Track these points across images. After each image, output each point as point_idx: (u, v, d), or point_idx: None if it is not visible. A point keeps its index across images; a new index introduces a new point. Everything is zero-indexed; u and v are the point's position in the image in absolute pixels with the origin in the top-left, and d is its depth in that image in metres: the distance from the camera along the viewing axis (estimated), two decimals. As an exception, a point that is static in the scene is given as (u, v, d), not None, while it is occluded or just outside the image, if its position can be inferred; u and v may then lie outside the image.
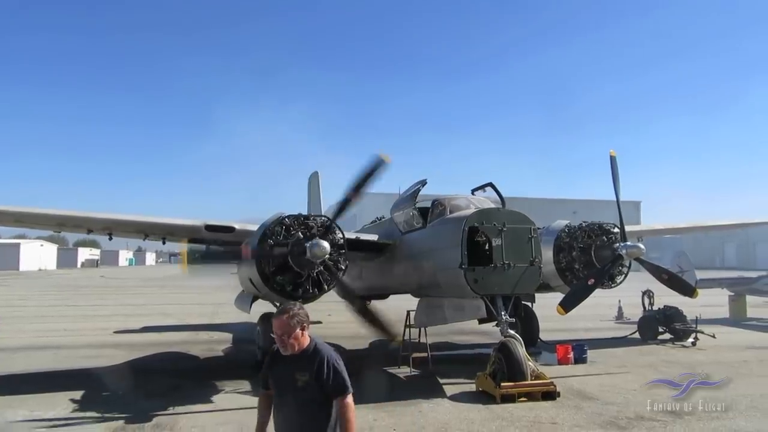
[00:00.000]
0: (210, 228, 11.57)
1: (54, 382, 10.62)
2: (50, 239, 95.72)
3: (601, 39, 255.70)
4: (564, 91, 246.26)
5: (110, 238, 12.93)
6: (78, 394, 9.50)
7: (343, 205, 10.15)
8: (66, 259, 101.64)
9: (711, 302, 21.65)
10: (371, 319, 10.05)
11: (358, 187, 9.99)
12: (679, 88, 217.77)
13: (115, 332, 18.08)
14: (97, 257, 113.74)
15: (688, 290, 12.60)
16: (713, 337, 15.13)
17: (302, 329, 4.01)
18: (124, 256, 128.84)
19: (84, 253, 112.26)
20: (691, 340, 15.11)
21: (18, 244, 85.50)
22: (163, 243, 13.30)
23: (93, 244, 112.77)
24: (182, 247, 11.46)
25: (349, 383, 4.01)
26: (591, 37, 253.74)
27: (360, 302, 10.24)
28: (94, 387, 10.08)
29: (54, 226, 13.21)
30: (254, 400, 9.03)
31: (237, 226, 11.52)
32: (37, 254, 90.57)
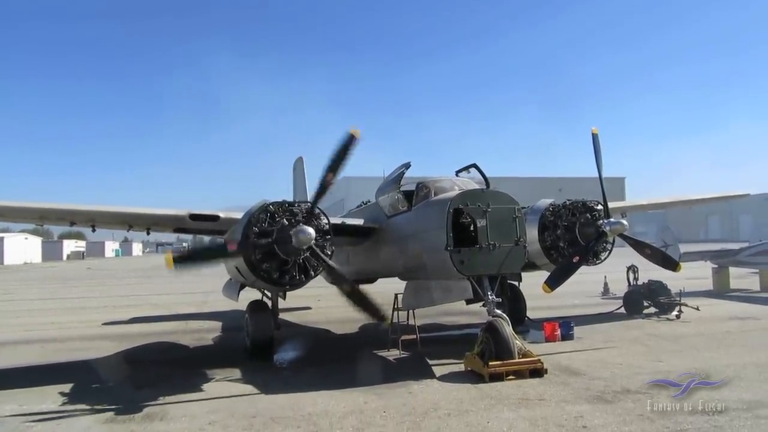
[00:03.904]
0: (195, 217, 11.48)
1: (43, 375, 10.57)
2: (34, 232, 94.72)
3: (589, 14, 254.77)
4: (551, 69, 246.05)
5: (93, 230, 12.80)
6: (67, 387, 9.45)
7: (323, 188, 9.95)
8: (51, 251, 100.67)
9: (695, 275, 22.02)
10: (360, 301, 9.97)
11: (333, 167, 9.78)
12: (668, 61, 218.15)
13: (104, 324, 18.00)
14: (82, 249, 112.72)
15: (671, 264, 12.78)
16: (697, 309, 15.39)
17: None
18: (111, 247, 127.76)
19: (69, 245, 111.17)
20: (675, 313, 15.36)
21: (2, 238, 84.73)
22: (147, 234, 13.17)
23: (78, 236, 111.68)
24: (169, 236, 11.35)
25: None
26: (580, 11, 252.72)
27: (348, 285, 10.12)
28: (83, 379, 10.04)
29: (36, 219, 13.05)
30: (245, 387, 9.18)
31: (222, 215, 11.44)
32: (22, 247, 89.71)
